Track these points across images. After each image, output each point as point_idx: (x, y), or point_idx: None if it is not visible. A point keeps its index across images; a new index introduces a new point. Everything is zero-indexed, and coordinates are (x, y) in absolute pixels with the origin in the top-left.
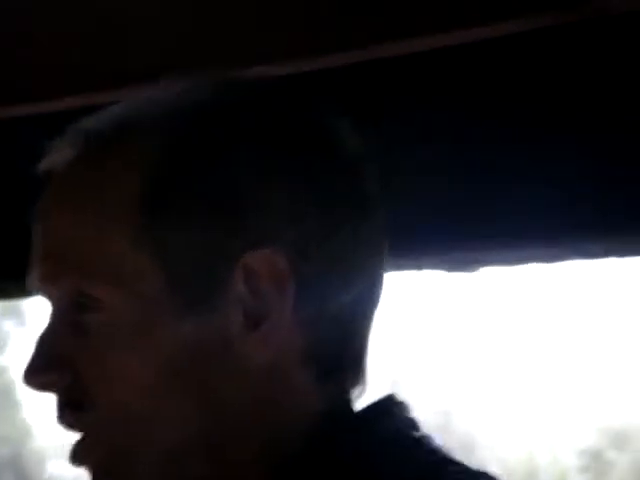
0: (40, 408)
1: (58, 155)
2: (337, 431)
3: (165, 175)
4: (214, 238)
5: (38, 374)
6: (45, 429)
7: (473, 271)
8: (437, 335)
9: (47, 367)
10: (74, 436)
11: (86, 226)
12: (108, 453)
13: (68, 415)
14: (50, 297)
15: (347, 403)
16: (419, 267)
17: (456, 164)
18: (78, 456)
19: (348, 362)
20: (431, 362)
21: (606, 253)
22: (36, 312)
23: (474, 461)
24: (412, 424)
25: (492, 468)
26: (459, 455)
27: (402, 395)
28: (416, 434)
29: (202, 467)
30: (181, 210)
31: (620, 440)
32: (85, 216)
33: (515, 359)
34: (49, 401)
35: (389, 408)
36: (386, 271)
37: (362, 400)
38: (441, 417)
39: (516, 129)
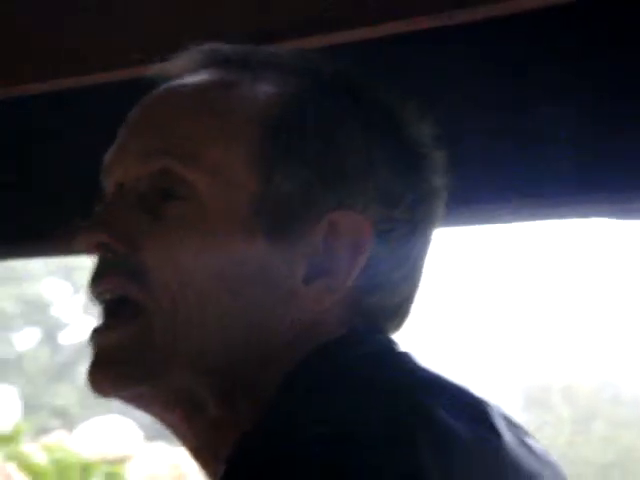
0: None
1: (182, 64)
2: (336, 345)
3: (292, 114)
4: (314, 185)
5: (97, 232)
6: None
7: None
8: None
9: (108, 228)
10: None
11: (207, 119)
12: (138, 338)
13: (118, 278)
14: (127, 178)
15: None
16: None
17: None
18: (110, 329)
19: (386, 323)
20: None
21: None
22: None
23: None
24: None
25: None
26: None
27: None
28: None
29: (233, 379)
30: (296, 149)
31: None
32: (209, 111)
33: None
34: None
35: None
36: (551, 219)
37: None
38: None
39: None
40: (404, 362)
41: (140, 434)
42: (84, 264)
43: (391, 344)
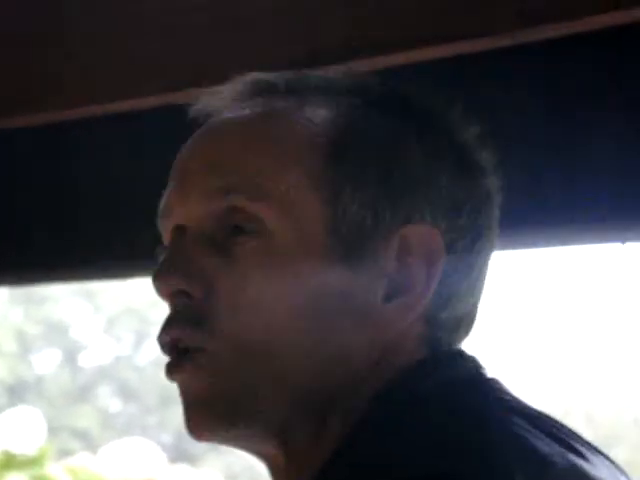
0: None
1: (229, 94)
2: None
3: (349, 135)
4: (381, 203)
5: (173, 276)
6: None
7: None
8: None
9: (184, 273)
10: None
11: (266, 150)
12: (218, 383)
13: (183, 328)
14: (191, 219)
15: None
16: (624, 240)
17: None
18: (178, 373)
19: (456, 336)
20: None
21: None
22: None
23: None
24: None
25: None
26: None
27: None
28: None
29: (316, 408)
30: (360, 169)
31: None
32: (267, 142)
33: None
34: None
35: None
36: (590, 243)
37: None
38: None
39: None
40: (492, 389)
41: (163, 456)
42: (104, 286)
43: (478, 368)
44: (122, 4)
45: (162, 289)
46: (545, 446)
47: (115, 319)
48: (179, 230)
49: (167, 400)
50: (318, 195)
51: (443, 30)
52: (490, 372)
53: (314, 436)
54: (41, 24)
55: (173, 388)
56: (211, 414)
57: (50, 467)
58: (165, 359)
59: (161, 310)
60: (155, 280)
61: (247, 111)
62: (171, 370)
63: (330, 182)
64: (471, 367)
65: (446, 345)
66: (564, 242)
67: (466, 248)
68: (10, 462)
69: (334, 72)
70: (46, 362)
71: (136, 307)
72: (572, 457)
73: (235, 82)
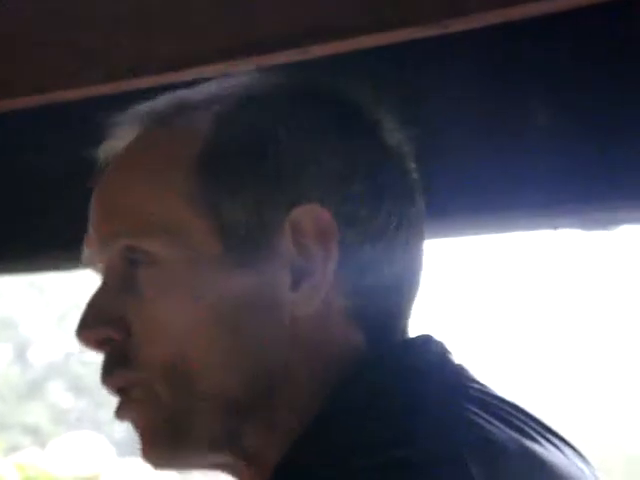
0: None
1: (117, 138)
2: (380, 359)
3: (215, 143)
4: (262, 199)
5: (93, 329)
6: None
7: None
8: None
9: (102, 322)
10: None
11: (139, 186)
12: (157, 412)
13: (117, 374)
14: (102, 261)
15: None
16: (555, 227)
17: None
18: (124, 414)
19: (391, 327)
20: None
21: None
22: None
23: None
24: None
25: None
26: None
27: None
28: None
29: (255, 411)
30: (232, 173)
31: None
32: (138, 177)
33: None
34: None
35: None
36: (522, 230)
37: None
38: None
39: None
40: (454, 375)
41: (112, 450)
42: (54, 280)
43: (445, 353)
44: None
45: (86, 343)
46: (499, 432)
47: (66, 314)
48: (101, 271)
49: None
50: (197, 211)
51: (381, 19)
52: (457, 358)
53: (264, 437)
54: None
55: None
56: (158, 443)
57: None
58: None
59: None
60: (78, 337)
61: (125, 149)
62: (119, 414)
63: (205, 196)
64: (437, 352)
65: (382, 323)
66: (498, 229)
67: (368, 215)
68: None
69: (213, 78)
70: None
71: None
72: (525, 442)
73: (121, 120)
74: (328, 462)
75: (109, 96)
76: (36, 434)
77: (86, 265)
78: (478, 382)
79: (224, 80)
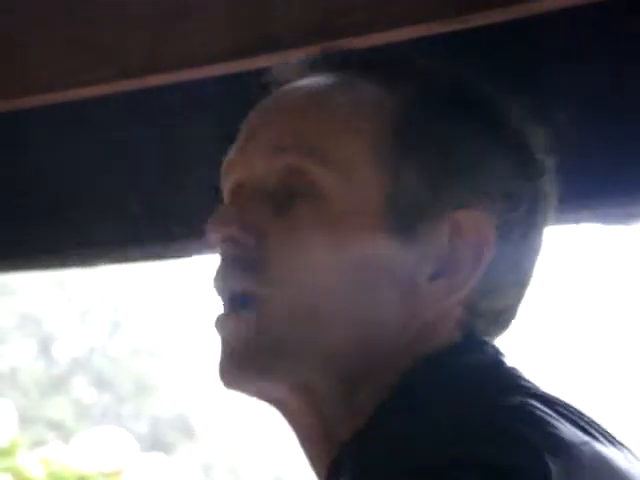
0: None
1: (295, 68)
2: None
3: (414, 115)
4: (441, 183)
5: (229, 226)
6: None
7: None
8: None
9: (237, 221)
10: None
11: (332, 123)
12: (264, 336)
13: (244, 277)
14: (248, 175)
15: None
16: (577, 221)
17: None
18: (228, 324)
19: (494, 326)
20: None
21: None
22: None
23: None
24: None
25: None
26: None
27: None
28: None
29: (353, 367)
30: (423, 147)
31: None
32: (335, 114)
33: None
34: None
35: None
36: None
37: None
38: None
39: None
40: (513, 376)
41: (136, 445)
42: (77, 276)
43: (500, 355)
44: None
45: (215, 235)
46: (568, 431)
47: (89, 310)
48: (238, 188)
49: (142, 390)
50: (379, 167)
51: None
52: (510, 360)
53: (343, 402)
54: None
55: (148, 378)
56: (248, 367)
57: (21, 458)
58: (140, 347)
59: (134, 300)
60: (209, 227)
61: (313, 82)
62: (221, 323)
63: (393, 156)
64: (493, 354)
65: (480, 335)
66: None
67: (517, 242)
68: None
69: (398, 54)
70: (20, 354)
71: (110, 297)
72: (592, 442)
73: (302, 58)
74: (401, 453)
75: (123, 93)
76: (60, 429)
77: (224, 178)
78: (532, 382)
79: (414, 58)
